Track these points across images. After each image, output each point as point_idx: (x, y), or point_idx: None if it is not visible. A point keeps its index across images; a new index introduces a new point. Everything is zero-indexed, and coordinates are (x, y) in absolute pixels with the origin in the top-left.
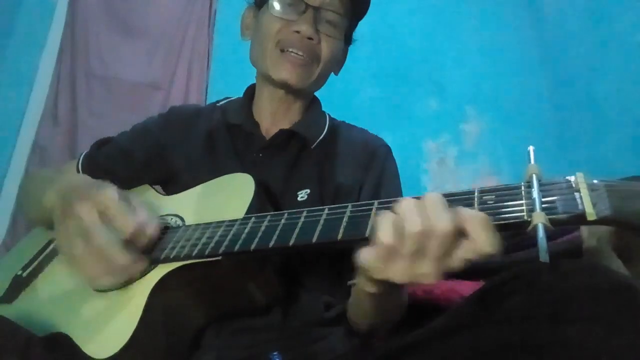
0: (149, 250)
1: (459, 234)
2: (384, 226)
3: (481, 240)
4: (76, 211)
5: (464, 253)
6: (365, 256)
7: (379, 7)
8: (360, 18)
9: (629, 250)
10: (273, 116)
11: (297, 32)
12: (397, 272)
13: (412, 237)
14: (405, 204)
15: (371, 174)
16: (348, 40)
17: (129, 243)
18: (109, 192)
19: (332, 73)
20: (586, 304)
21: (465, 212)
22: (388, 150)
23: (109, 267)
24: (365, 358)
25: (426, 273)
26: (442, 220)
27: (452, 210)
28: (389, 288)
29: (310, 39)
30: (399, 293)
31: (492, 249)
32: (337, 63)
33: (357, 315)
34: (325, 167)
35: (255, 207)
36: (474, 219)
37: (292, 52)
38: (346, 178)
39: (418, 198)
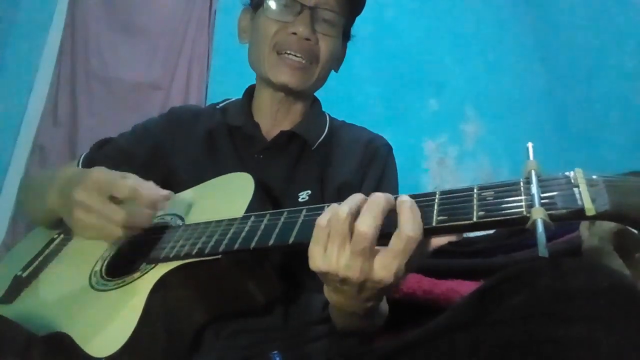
0: (152, 242)
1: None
2: (325, 212)
3: (405, 223)
4: (76, 200)
5: (394, 244)
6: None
7: (379, 7)
8: (357, 14)
9: (630, 249)
10: (273, 117)
11: (294, 33)
12: (326, 260)
13: (336, 220)
14: (352, 196)
15: (372, 172)
16: (346, 36)
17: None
18: (96, 170)
19: (333, 70)
20: (586, 303)
21: (400, 198)
22: (389, 149)
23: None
24: (365, 358)
25: (347, 265)
26: (364, 221)
27: (386, 215)
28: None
29: (307, 39)
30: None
31: (415, 231)
32: (336, 61)
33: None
34: (326, 168)
35: (255, 206)
36: (404, 205)
37: (290, 54)
38: (347, 177)
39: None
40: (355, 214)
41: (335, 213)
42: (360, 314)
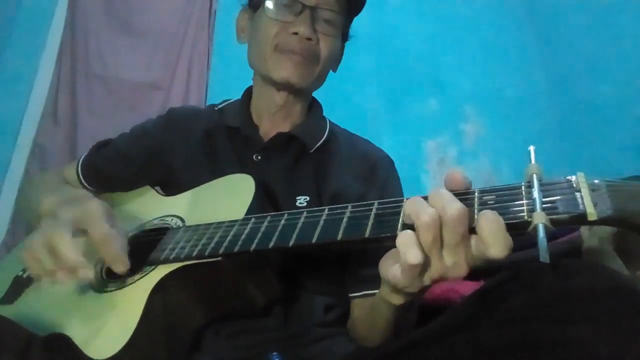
0: (152, 244)
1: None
2: (408, 246)
3: (490, 242)
4: (57, 213)
5: (475, 250)
6: (394, 273)
7: (379, 8)
8: (357, 14)
9: (630, 250)
10: (272, 119)
11: (295, 33)
12: (427, 274)
13: (426, 226)
14: (411, 202)
15: (374, 188)
16: (345, 37)
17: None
18: (96, 202)
19: (331, 71)
20: (587, 304)
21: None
22: (390, 162)
23: (58, 261)
24: (365, 358)
25: (454, 263)
26: (452, 205)
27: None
28: (413, 297)
29: (308, 39)
30: (417, 302)
31: (500, 253)
32: (335, 60)
33: (369, 329)
34: (323, 173)
35: (256, 207)
36: (486, 217)
37: (291, 54)
38: (345, 186)
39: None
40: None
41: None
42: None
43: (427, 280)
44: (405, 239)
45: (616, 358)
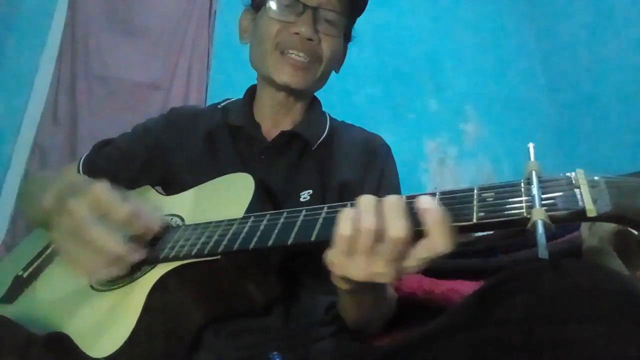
0: (152, 243)
1: (416, 233)
2: (343, 220)
3: (436, 239)
4: (68, 208)
5: (420, 253)
6: (328, 252)
7: (379, 8)
8: (359, 14)
9: (630, 250)
10: (274, 117)
11: (297, 33)
12: (354, 269)
13: (366, 234)
14: (365, 200)
15: (372, 173)
16: (347, 37)
17: (131, 238)
18: (99, 186)
19: (333, 71)
20: (586, 303)
21: (423, 204)
22: (388, 149)
23: (104, 258)
24: (365, 358)
25: (381, 273)
26: (395, 226)
27: (408, 214)
28: (361, 285)
29: (310, 39)
30: (376, 291)
31: (446, 247)
32: (337, 61)
33: (342, 311)
34: (327, 168)
35: (255, 206)
36: (431, 214)
37: (292, 54)
38: (348, 177)
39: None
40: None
41: (357, 221)
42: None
43: (352, 272)
44: (345, 213)
45: (616, 358)
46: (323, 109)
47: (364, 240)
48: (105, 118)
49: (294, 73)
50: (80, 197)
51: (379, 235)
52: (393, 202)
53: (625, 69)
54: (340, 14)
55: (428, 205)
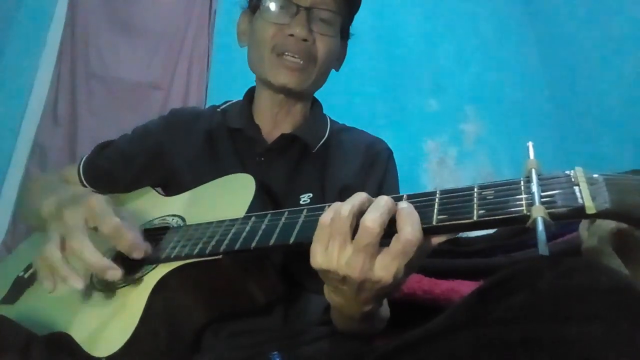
0: (142, 260)
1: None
2: (327, 211)
3: (402, 226)
4: (64, 216)
5: (394, 246)
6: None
7: (379, 7)
8: (355, 12)
9: (629, 250)
10: (274, 119)
11: (291, 35)
12: (328, 257)
13: (342, 219)
14: (357, 195)
15: (373, 177)
16: (345, 35)
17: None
18: (95, 197)
19: (333, 70)
20: (586, 303)
21: (399, 205)
22: (390, 153)
23: (82, 268)
24: (365, 358)
25: (351, 261)
26: (371, 217)
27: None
28: (349, 301)
29: (305, 40)
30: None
31: (414, 236)
32: (335, 60)
33: (335, 323)
34: (327, 171)
35: (256, 207)
36: (401, 206)
37: (288, 55)
38: (348, 180)
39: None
40: (358, 212)
41: (337, 211)
42: (358, 318)
43: (325, 261)
44: (332, 206)
45: (615, 357)
46: (324, 112)
47: (337, 224)
48: (105, 118)
49: (290, 75)
50: (77, 207)
51: (352, 224)
52: (381, 199)
53: (626, 69)
54: (335, 12)
55: (402, 205)
